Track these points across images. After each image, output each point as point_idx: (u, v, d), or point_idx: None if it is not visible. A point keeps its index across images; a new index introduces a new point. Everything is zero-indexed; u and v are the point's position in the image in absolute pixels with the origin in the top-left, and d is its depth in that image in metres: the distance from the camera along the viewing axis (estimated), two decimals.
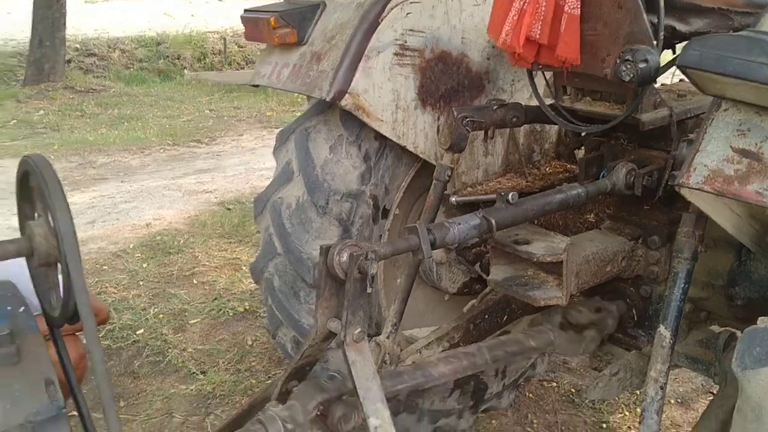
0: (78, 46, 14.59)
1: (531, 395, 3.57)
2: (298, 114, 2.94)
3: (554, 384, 3.67)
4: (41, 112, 10.38)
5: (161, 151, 8.49)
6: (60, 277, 1.63)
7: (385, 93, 2.48)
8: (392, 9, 2.44)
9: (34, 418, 1.42)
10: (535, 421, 3.38)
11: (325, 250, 1.75)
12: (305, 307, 2.71)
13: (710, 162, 1.41)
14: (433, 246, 1.86)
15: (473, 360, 2.27)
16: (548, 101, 2.40)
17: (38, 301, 1.71)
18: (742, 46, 1.28)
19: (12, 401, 1.41)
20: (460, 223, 1.89)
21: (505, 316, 2.80)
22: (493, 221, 1.91)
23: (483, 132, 2.65)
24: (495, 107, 2.45)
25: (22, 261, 1.89)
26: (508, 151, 2.87)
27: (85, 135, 9.21)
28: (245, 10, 2.67)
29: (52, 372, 1.47)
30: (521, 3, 2.02)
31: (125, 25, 16.86)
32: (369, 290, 1.71)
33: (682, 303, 1.80)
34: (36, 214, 1.64)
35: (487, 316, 2.77)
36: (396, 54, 2.48)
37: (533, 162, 2.97)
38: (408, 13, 2.48)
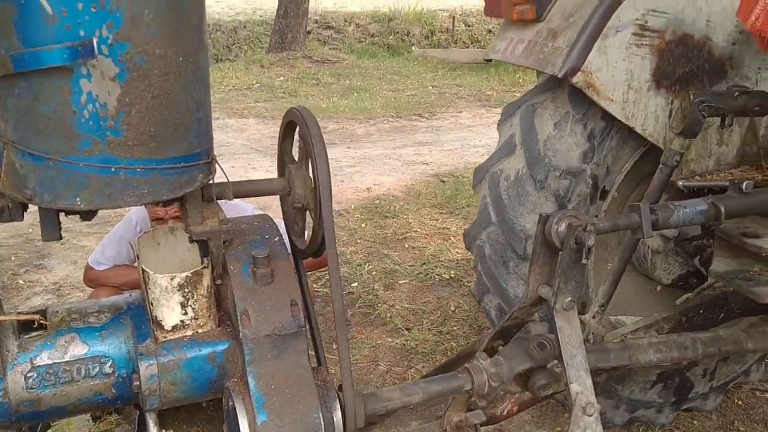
0: (318, 18, 15.59)
1: (740, 402, 3.39)
2: (518, 94, 3.01)
3: None
4: (281, 78, 11.28)
5: (385, 122, 8.91)
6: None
7: (619, 72, 2.47)
8: None
9: (279, 331, 1.66)
10: (741, 429, 3.21)
11: (544, 219, 1.83)
12: (513, 276, 2.80)
13: None
14: (655, 227, 1.86)
15: (684, 351, 2.21)
16: None
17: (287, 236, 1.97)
18: None
19: (263, 314, 1.65)
20: (686, 207, 1.88)
21: (722, 314, 2.69)
22: (722, 208, 1.87)
23: (720, 119, 2.55)
24: (736, 93, 2.35)
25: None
26: (745, 141, 2.73)
27: (318, 102, 9.89)
28: None
29: (297, 294, 1.69)
30: None
31: (361, 0, 17.72)
32: (584, 261, 1.77)
33: None
34: (295, 160, 1.89)
35: (701, 311, 2.67)
36: (635, 34, 2.46)
37: None
38: None
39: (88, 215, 1.62)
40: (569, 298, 1.81)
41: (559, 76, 2.43)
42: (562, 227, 1.78)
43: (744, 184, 1.89)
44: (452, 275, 4.68)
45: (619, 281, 2.57)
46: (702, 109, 2.32)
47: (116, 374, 1.69)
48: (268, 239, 1.77)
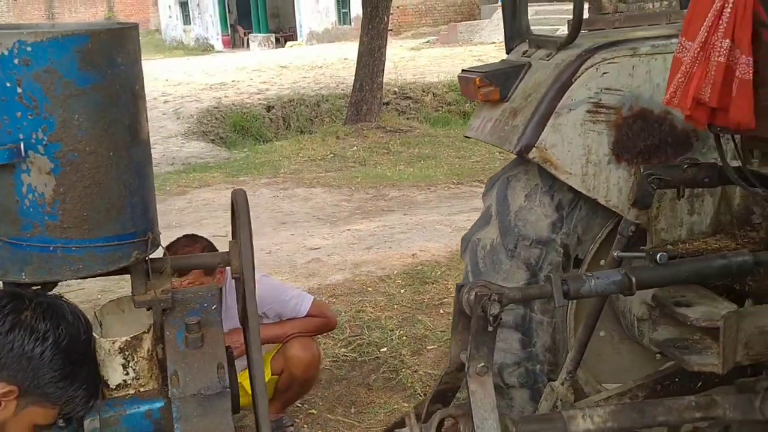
0: (396, 90, 16.11)
1: None
2: None
3: None
4: (354, 148, 11.72)
5: (446, 188, 9.10)
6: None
7: (576, 148, 2.59)
8: (587, 69, 2.56)
9: (205, 391, 1.85)
10: None
11: (458, 288, 1.97)
12: None
13: None
14: (567, 296, 1.95)
15: (634, 419, 2.22)
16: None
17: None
18: None
19: (191, 376, 1.86)
20: (598, 277, 1.96)
21: (699, 383, 2.68)
22: (634, 280, 1.94)
23: (689, 189, 2.61)
24: (686, 166, 2.43)
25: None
26: (719, 211, 2.76)
27: (384, 170, 10.22)
28: (462, 70, 2.97)
29: (224, 358, 1.89)
30: (689, 66, 2.03)
31: (440, 70, 18.19)
32: (490, 329, 1.89)
33: None
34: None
35: (677, 379, 2.68)
36: (589, 111, 2.58)
37: (752, 225, 2.80)
38: (604, 73, 2.57)
39: (47, 286, 1.88)
40: (482, 364, 1.92)
41: (514, 152, 2.58)
42: (472, 296, 1.91)
43: (658, 255, 1.96)
44: None
45: (586, 347, 2.63)
46: (651, 182, 2.41)
47: (67, 428, 1.91)
48: (206, 307, 1.98)
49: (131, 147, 1.78)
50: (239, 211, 1.93)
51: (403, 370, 4.41)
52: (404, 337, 4.84)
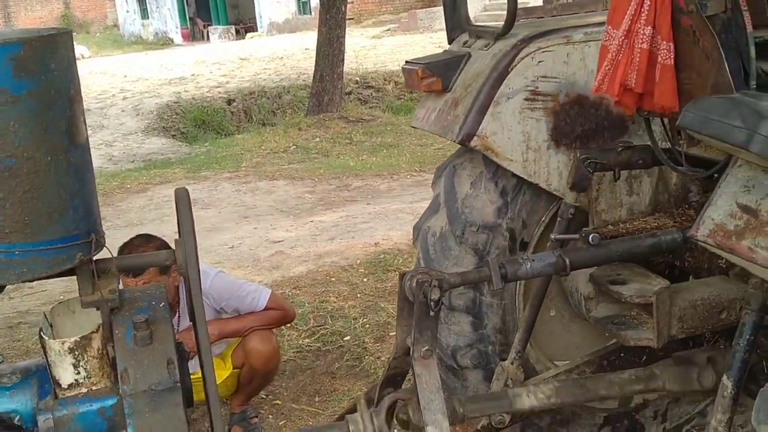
0: (358, 79, 16.12)
1: None
2: None
3: None
4: (317, 139, 11.72)
5: (408, 176, 9.17)
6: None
7: (515, 135, 2.67)
8: (522, 59, 2.63)
9: (155, 387, 1.89)
10: None
11: (402, 275, 2.03)
12: (444, 327, 2.97)
13: (717, 216, 1.43)
14: (505, 279, 2.03)
15: (570, 393, 2.32)
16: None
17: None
18: (723, 108, 1.31)
19: (141, 372, 1.90)
20: (534, 260, 2.04)
21: (644, 357, 2.79)
22: (568, 261, 2.02)
23: (612, 173, 2.70)
24: (620, 149, 2.51)
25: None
26: (657, 191, 2.86)
27: (347, 161, 10.25)
28: (406, 62, 3.02)
29: (173, 354, 1.93)
30: (615, 53, 2.11)
31: (401, 58, 18.23)
32: (432, 314, 1.96)
33: (747, 354, 1.77)
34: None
35: (623, 354, 2.78)
36: (527, 99, 2.65)
37: (690, 203, 2.91)
38: (540, 62, 2.64)
39: None
40: (426, 347, 1.99)
41: (457, 141, 2.65)
42: (413, 283, 1.97)
43: (591, 236, 2.04)
44: None
45: (533, 326, 2.72)
46: (588, 165, 2.49)
47: (24, 428, 1.95)
48: (154, 305, 2.02)
49: (69, 151, 1.81)
50: (181, 210, 1.97)
51: (367, 357, 4.48)
52: (367, 325, 4.91)
